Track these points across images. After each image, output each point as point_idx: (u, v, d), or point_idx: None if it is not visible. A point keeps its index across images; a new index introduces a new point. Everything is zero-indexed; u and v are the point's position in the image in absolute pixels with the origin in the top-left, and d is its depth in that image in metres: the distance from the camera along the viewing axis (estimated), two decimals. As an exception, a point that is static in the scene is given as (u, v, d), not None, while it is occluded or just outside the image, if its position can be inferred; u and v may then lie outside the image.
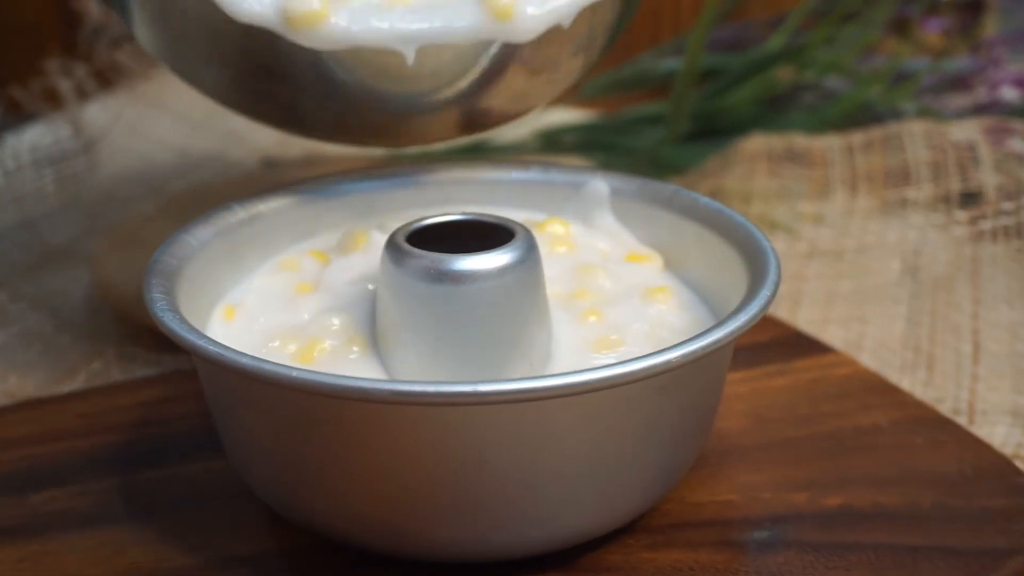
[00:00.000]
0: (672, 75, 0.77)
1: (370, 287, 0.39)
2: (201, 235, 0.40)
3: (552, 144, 0.74)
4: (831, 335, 0.53)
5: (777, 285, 0.37)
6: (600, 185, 0.44)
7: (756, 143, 0.65)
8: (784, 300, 0.55)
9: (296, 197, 0.43)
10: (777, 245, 0.59)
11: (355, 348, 0.36)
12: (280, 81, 0.39)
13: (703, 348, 0.34)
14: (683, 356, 0.33)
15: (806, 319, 0.54)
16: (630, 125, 0.76)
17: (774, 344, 0.48)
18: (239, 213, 0.42)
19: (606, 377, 0.32)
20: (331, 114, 0.40)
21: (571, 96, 0.79)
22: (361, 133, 0.42)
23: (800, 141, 0.65)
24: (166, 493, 0.40)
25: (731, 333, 0.34)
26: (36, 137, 0.63)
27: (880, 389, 0.45)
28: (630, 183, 0.44)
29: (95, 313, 0.55)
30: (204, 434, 0.42)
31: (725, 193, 0.63)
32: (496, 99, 0.40)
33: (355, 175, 0.44)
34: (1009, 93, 0.79)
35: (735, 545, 0.37)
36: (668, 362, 0.33)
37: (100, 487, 0.40)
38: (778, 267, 0.37)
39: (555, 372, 0.36)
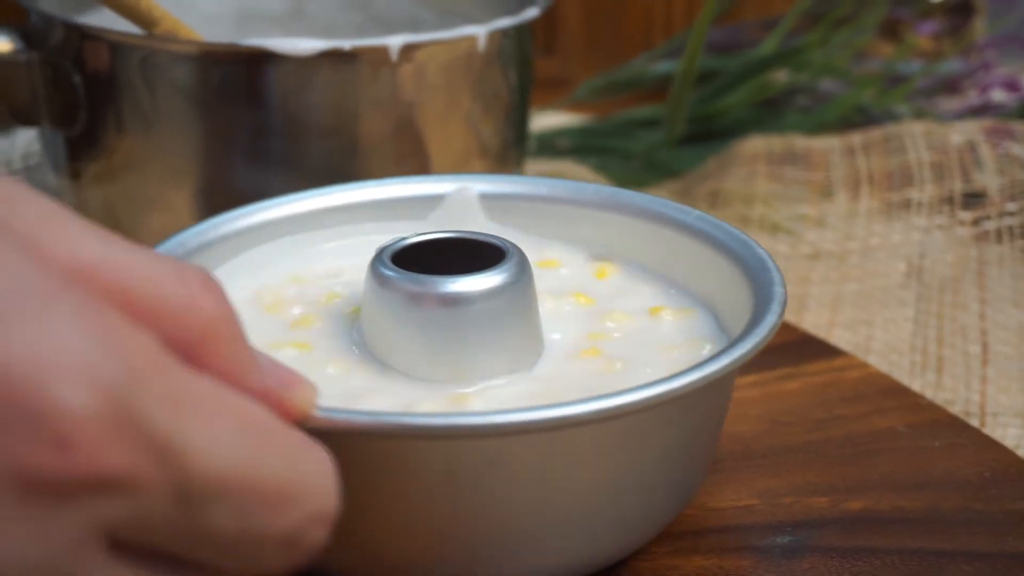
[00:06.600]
0: (665, 78, 0.76)
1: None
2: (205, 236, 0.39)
3: (546, 147, 0.73)
4: (838, 338, 0.52)
5: (784, 302, 0.35)
6: (469, 191, 0.43)
7: (755, 144, 0.65)
8: (789, 303, 0.54)
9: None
10: (780, 248, 0.59)
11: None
12: None
13: (715, 372, 0.32)
14: (694, 382, 0.31)
15: (812, 323, 0.53)
16: (624, 128, 0.75)
17: (783, 347, 0.48)
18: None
19: (615, 406, 0.30)
20: None
21: (564, 99, 0.78)
22: None
23: (799, 142, 0.64)
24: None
25: (744, 355, 0.33)
26: (29, 143, 0.62)
27: (894, 392, 0.45)
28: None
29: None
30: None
31: (725, 196, 0.62)
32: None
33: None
34: (1000, 95, 0.79)
35: (759, 551, 0.36)
36: (680, 388, 0.31)
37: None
38: (782, 282, 0.36)
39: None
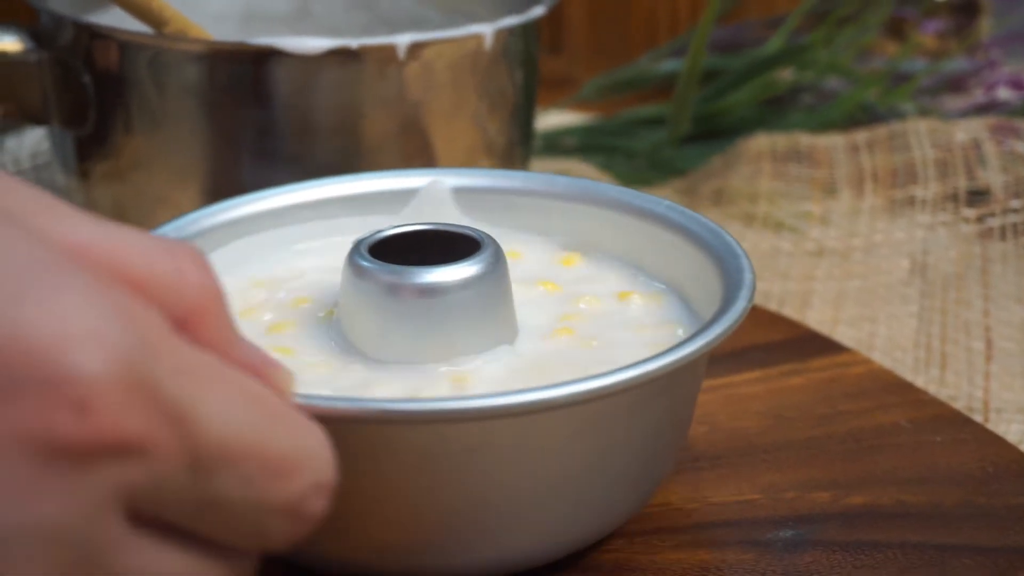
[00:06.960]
0: (670, 77, 0.77)
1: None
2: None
3: (552, 146, 0.74)
4: (841, 335, 0.52)
5: (752, 291, 0.36)
6: (442, 184, 0.43)
7: (759, 143, 0.65)
8: (793, 300, 0.55)
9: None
10: (784, 245, 0.59)
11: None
12: None
13: (678, 360, 0.32)
14: (675, 362, 0.32)
15: (816, 319, 0.54)
16: (629, 127, 0.76)
17: (788, 344, 0.48)
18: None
19: (592, 389, 0.31)
20: None
21: (569, 98, 0.79)
22: None
23: (804, 140, 0.65)
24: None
25: (708, 343, 0.33)
26: (37, 142, 0.63)
27: (897, 388, 0.45)
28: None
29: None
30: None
31: (730, 194, 0.62)
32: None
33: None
34: (1005, 94, 0.79)
35: (761, 545, 0.37)
36: (644, 375, 0.32)
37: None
38: (752, 271, 0.37)
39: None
